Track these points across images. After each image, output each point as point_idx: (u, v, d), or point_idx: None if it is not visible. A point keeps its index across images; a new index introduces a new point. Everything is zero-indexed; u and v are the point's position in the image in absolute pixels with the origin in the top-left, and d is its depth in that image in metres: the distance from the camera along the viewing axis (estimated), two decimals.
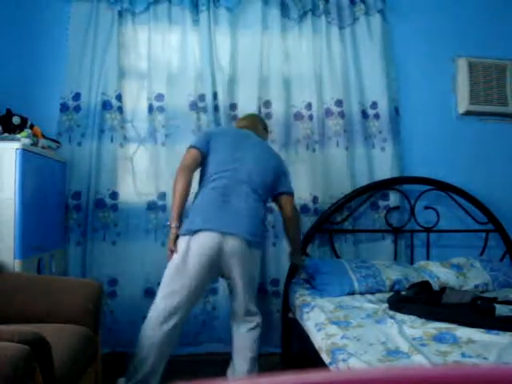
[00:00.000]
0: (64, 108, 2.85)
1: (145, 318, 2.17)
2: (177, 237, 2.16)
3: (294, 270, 2.88)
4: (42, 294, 1.97)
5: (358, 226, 3.04)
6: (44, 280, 2.15)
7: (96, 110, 2.84)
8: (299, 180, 2.93)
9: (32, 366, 1.22)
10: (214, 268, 2.16)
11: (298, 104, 3.03)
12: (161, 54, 2.93)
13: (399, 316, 2.03)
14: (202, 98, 2.93)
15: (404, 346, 1.65)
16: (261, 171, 2.26)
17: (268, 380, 0.41)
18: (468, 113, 3.19)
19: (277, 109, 2.98)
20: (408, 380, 0.41)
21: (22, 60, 2.87)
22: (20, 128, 2.38)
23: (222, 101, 2.92)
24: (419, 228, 3.07)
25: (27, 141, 2.26)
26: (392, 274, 2.63)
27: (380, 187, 3.03)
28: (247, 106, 2.94)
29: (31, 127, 2.44)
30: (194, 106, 2.92)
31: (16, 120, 2.40)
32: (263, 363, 2.36)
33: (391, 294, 2.37)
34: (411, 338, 1.74)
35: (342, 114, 3.02)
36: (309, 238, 2.91)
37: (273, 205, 2.91)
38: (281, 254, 2.96)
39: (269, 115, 2.96)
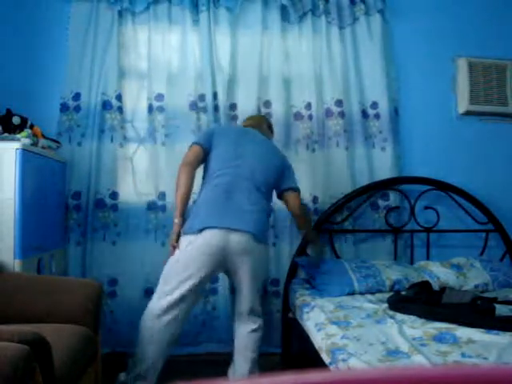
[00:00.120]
0: (64, 108, 2.85)
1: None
2: (179, 233, 2.16)
3: (294, 270, 2.89)
4: (42, 294, 1.97)
5: (358, 226, 3.04)
6: (44, 280, 2.15)
7: (96, 110, 2.84)
8: (299, 180, 2.91)
9: (32, 366, 1.22)
10: (218, 266, 2.16)
11: (298, 104, 3.03)
12: (161, 54, 2.93)
13: (399, 316, 2.03)
14: (201, 98, 2.93)
15: (404, 346, 1.65)
16: (263, 168, 2.26)
17: (268, 380, 0.41)
18: (468, 113, 3.19)
19: (277, 109, 2.98)
20: (408, 380, 0.41)
21: (22, 60, 2.87)
22: (20, 128, 2.38)
23: (222, 101, 2.92)
24: (419, 228, 3.07)
25: (27, 141, 2.26)
26: (392, 273, 2.63)
27: (380, 187, 3.03)
28: (247, 106, 2.94)
29: (31, 127, 2.44)
30: (193, 106, 2.92)
31: (16, 120, 2.40)
32: (263, 363, 2.36)
33: (391, 294, 2.37)
34: (411, 337, 1.74)
35: (342, 114, 3.02)
36: None
37: (272, 205, 2.92)
38: (281, 254, 2.96)
39: (269, 115, 2.96)
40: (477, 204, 3.09)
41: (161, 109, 2.91)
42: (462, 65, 3.18)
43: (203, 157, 2.27)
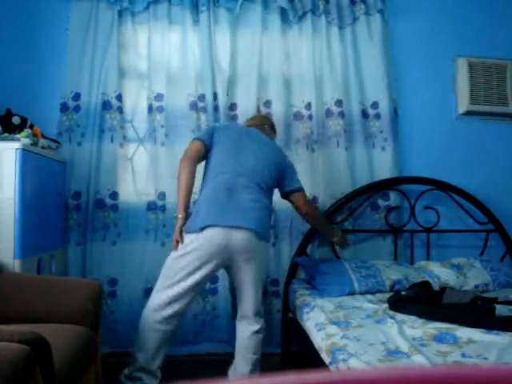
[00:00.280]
0: (64, 108, 2.85)
1: None
2: (183, 226, 2.17)
3: (294, 270, 2.89)
4: (42, 294, 1.97)
5: (358, 226, 3.04)
6: (44, 280, 2.15)
7: (96, 110, 2.84)
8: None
9: (32, 366, 1.22)
10: (220, 264, 2.16)
11: (298, 104, 3.03)
12: (161, 54, 2.93)
13: (399, 316, 2.03)
14: (201, 98, 2.93)
15: (404, 346, 1.65)
16: (264, 166, 2.26)
17: (268, 380, 0.41)
18: (468, 113, 3.19)
19: (277, 109, 2.98)
20: (408, 380, 0.41)
21: (21, 60, 2.87)
22: (20, 128, 2.38)
23: (222, 101, 2.92)
24: (419, 228, 3.07)
25: (27, 141, 2.26)
26: (392, 274, 2.63)
27: (380, 187, 3.03)
28: (247, 106, 2.94)
29: (31, 127, 2.44)
30: (194, 106, 2.92)
31: (16, 120, 2.40)
32: (263, 363, 2.35)
33: (391, 294, 2.37)
34: (411, 338, 1.73)
35: (342, 114, 3.02)
36: (309, 237, 2.90)
37: (272, 204, 2.92)
38: (281, 254, 2.96)
39: (269, 115, 2.95)
40: (477, 204, 3.09)
41: (161, 109, 2.91)
42: (462, 65, 3.18)
43: (204, 153, 2.27)
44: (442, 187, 3.08)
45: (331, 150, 3.03)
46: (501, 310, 2.02)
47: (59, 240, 2.73)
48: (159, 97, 2.91)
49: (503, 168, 3.24)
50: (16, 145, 2.16)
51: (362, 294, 2.51)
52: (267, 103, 3.00)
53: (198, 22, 2.93)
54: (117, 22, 2.88)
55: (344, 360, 1.59)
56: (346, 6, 3.06)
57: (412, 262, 3.02)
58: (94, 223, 2.83)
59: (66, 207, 2.81)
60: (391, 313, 2.09)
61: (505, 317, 1.90)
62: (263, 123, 2.57)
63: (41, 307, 1.94)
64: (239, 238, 2.09)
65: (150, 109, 2.89)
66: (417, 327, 1.85)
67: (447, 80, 3.23)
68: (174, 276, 2.13)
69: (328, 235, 2.77)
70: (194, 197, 2.30)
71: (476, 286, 2.66)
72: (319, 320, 2.10)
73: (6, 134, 2.28)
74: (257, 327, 2.23)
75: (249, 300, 2.20)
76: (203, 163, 2.33)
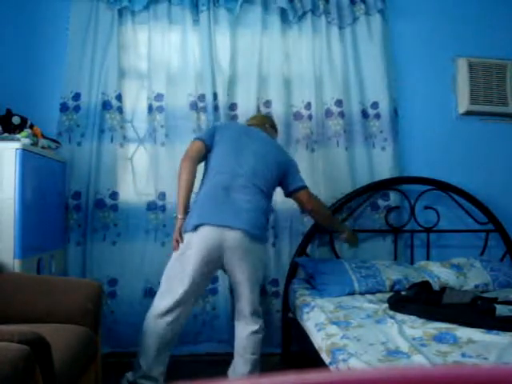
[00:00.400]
0: (64, 108, 2.85)
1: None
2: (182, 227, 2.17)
3: (294, 270, 2.89)
4: (42, 294, 1.97)
5: (358, 226, 3.03)
6: (44, 280, 2.15)
7: (96, 110, 2.84)
8: None
9: (32, 366, 1.22)
10: (215, 264, 2.16)
11: (298, 104, 3.03)
12: (161, 54, 2.93)
13: (399, 316, 2.03)
14: (201, 98, 2.93)
15: (404, 346, 1.65)
16: (265, 166, 2.26)
17: (268, 380, 0.41)
18: (468, 113, 3.19)
19: (277, 108, 2.97)
20: (408, 380, 0.41)
21: (21, 60, 2.87)
22: (20, 128, 2.38)
23: (222, 101, 2.92)
24: (419, 228, 3.07)
25: (27, 141, 2.26)
26: (392, 274, 2.63)
27: (380, 187, 3.03)
28: (247, 105, 2.94)
29: (31, 127, 2.44)
30: (194, 106, 2.91)
31: (16, 120, 2.40)
32: (263, 363, 2.35)
33: (391, 294, 2.37)
34: (411, 338, 1.73)
35: (341, 114, 3.02)
36: (309, 237, 2.90)
37: (272, 205, 2.91)
38: (281, 254, 2.96)
39: (269, 114, 2.96)
40: (477, 204, 3.09)
41: (161, 109, 2.90)
42: (462, 65, 3.18)
43: (205, 153, 2.27)
44: (442, 187, 3.08)
45: (331, 149, 3.03)
46: (501, 309, 2.02)
47: (59, 240, 2.72)
48: (159, 97, 2.91)
49: (503, 168, 3.24)
50: (16, 145, 2.16)
51: (361, 294, 2.51)
52: (267, 103, 3.00)
53: (198, 22, 2.93)
54: (117, 22, 2.88)
55: (344, 360, 1.59)
56: (345, 6, 3.06)
57: (412, 262, 3.02)
58: (94, 223, 2.83)
59: (66, 207, 2.81)
60: (391, 313, 2.09)
61: (505, 317, 1.90)
62: (264, 122, 2.57)
63: (41, 307, 1.94)
64: (232, 237, 2.09)
65: (150, 109, 2.89)
66: (417, 327, 1.85)
67: (447, 80, 3.23)
68: (174, 278, 2.13)
69: (337, 232, 2.76)
70: (193, 196, 2.30)
71: (476, 286, 2.66)
72: (319, 320, 2.10)
73: (5, 134, 2.28)
74: (255, 327, 2.23)
75: (245, 300, 2.20)
76: (203, 163, 2.33)
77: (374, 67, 3.06)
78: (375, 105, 3.07)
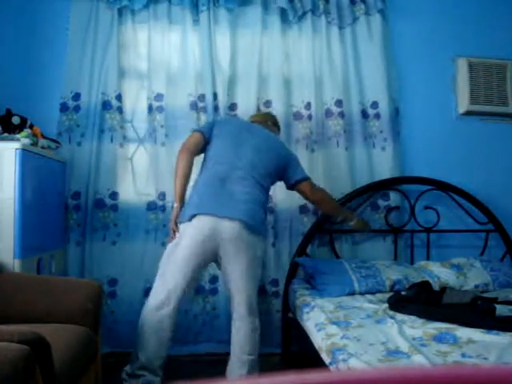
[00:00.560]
0: (64, 108, 2.85)
1: None
2: (178, 215, 2.18)
3: (294, 270, 2.88)
4: (42, 294, 1.97)
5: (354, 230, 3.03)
6: (44, 280, 2.15)
7: (96, 110, 2.84)
8: None
9: (32, 366, 1.22)
10: (209, 254, 2.15)
11: (298, 104, 3.03)
12: (161, 54, 2.93)
13: (399, 316, 2.02)
14: (201, 98, 2.93)
15: (404, 346, 1.65)
16: (263, 160, 2.26)
17: (268, 380, 0.41)
18: (468, 113, 3.19)
19: (277, 108, 2.97)
20: (408, 380, 0.41)
21: (21, 60, 2.87)
22: (20, 128, 2.38)
23: (222, 101, 2.92)
24: (419, 228, 3.07)
25: (27, 141, 2.26)
26: (392, 274, 2.63)
27: (380, 187, 3.03)
28: (247, 105, 2.94)
29: (31, 127, 2.44)
30: (194, 106, 2.92)
31: (16, 120, 2.40)
32: (263, 363, 2.35)
33: (391, 294, 2.37)
34: (411, 338, 1.73)
35: (341, 114, 3.02)
36: (309, 237, 2.90)
37: (272, 205, 2.92)
38: (281, 254, 2.96)
39: (272, 113, 2.96)
40: (477, 204, 3.09)
41: (161, 109, 2.90)
42: (462, 65, 3.18)
43: (203, 145, 2.29)
44: (442, 187, 3.08)
45: (331, 150, 3.03)
46: (501, 309, 2.02)
47: (59, 240, 2.73)
48: (159, 97, 2.91)
49: (503, 168, 3.24)
50: (16, 145, 2.16)
51: (361, 294, 2.51)
52: (267, 103, 3.00)
53: (198, 22, 2.93)
54: (117, 22, 2.88)
55: (344, 360, 1.59)
56: (346, 5, 3.06)
57: (412, 262, 3.02)
58: (94, 223, 2.83)
59: (66, 207, 2.81)
60: (391, 313, 2.09)
61: (505, 317, 1.90)
62: (267, 120, 2.58)
63: (41, 307, 1.94)
64: (228, 228, 2.08)
65: (150, 109, 2.89)
66: (417, 327, 1.85)
67: (447, 80, 3.23)
68: (168, 270, 2.14)
69: (345, 220, 2.77)
70: (191, 186, 2.31)
71: (476, 286, 2.66)
72: (319, 320, 2.10)
73: (5, 134, 2.28)
74: (251, 326, 2.20)
75: (240, 295, 2.17)
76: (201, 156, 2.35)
77: (373, 67, 3.06)
78: (375, 105, 3.07)
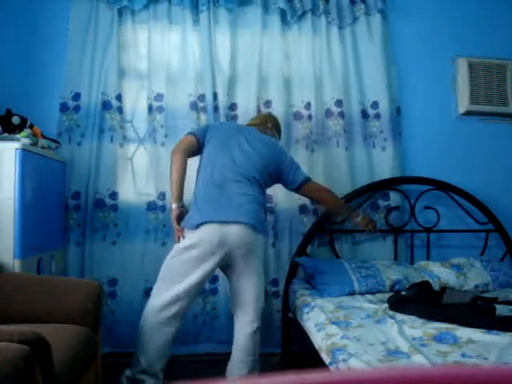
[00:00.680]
0: (64, 108, 2.85)
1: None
2: (179, 216, 2.18)
3: (294, 270, 2.88)
4: (42, 294, 1.97)
5: (358, 226, 3.03)
6: (44, 280, 2.14)
7: (96, 110, 2.84)
8: None
9: (32, 366, 1.22)
10: (218, 262, 2.15)
11: (298, 104, 3.02)
12: (161, 54, 2.93)
13: (399, 316, 2.03)
14: (201, 98, 2.93)
15: (404, 346, 1.65)
16: (257, 163, 2.26)
17: (268, 380, 0.41)
18: (468, 113, 3.19)
19: (277, 108, 2.97)
20: (408, 380, 0.41)
21: (21, 60, 2.87)
22: (20, 128, 2.38)
23: (222, 101, 2.92)
24: (419, 228, 3.07)
25: (27, 141, 2.26)
26: (392, 274, 2.63)
27: (380, 187, 3.03)
28: (247, 105, 2.94)
29: (31, 127, 2.44)
30: (194, 106, 2.91)
31: (16, 120, 2.40)
32: (263, 363, 2.35)
33: (391, 294, 2.37)
34: (411, 338, 1.73)
35: (341, 114, 3.02)
36: (309, 237, 2.90)
37: (272, 205, 2.92)
38: (281, 254, 2.96)
39: (272, 114, 2.96)
40: (477, 204, 3.09)
41: (160, 109, 2.90)
42: (462, 65, 3.18)
43: (197, 148, 2.29)
44: (442, 187, 3.08)
45: (331, 150, 3.02)
46: (501, 309, 2.02)
47: (59, 240, 2.73)
48: (159, 97, 2.91)
49: (503, 168, 3.24)
50: (16, 145, 2.16)
51: (362, 294, 2.51)
52: (267, 103, 3.00)
53: (198, 22, 2.93)
54: (117, 22, 2.88)
55: (344, 360, 1.59)
56: (345, 5, 3.06)
57: (412, 262, 3.02)
58: (94, 223, 2.83)
59: (66, 207, 2.81)
60: (391, 313, 2.09)
61: (505, 317, 1.90)
62: (266, 122, 2.57)
63: (41, 307, 1.94)
64: (235, 232, 2.10)
65: (150, 109, 2.89)
66: (417, 327, 1.85)
67: (447, 80, 3.23)
68: (174, 275, 2.13)
69: (350, 217, 2.74)
70: (188, 188, 2.32)
71: (476, 286, 2.66)
72: (319, 320, 2.10)
73: (5, 134, 2.28)
74: (256, 326, 2.21)
75: (249, 297, 2.19)
76: (196, 159, 2.35)
77: (374, 67, 3.06)
78: (375, 105, 3.07)
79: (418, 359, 1.52)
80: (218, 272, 2.60)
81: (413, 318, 1.98)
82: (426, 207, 3.10)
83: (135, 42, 2.96)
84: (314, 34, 3.04)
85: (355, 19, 3.08)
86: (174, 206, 2.20)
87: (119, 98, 2.89)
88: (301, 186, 2.41)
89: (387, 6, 3.11)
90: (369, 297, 2.46)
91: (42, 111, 2.79)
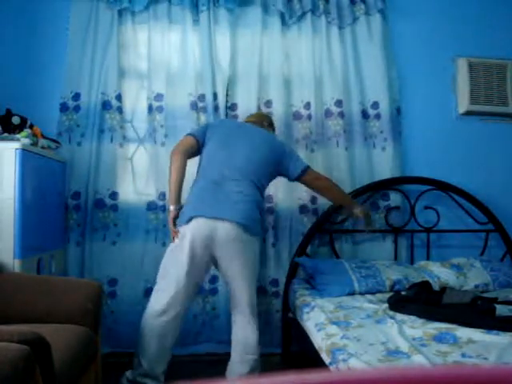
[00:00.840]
0: (64, 108, 2.85)
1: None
2: (176, 218, 2.19)
3: (294, 270, 2.88)
4: (42, 294, 1.97)
5: (358, 226, 3.03)
6: (44, 280, 2.15)
7: (96, 110, 2.84)
8: None
9: (32, 366, 1.22)
10: (208, 256, 2.15)
11: (297, 104, 3.02)
12: (161, 54, 2.93)
13: (399, 316, 2.02)
14: (201, 98, 2.93)
15: (404, 346, 1.65)
16: (256, 160, 2.26)
17: (268, 380, 0.41)
18: (468, 113, 3.19)
19: (277, 108, 2.97)
20: (408, 380, 0.41)
21: (21, 60, 2.87)
22: (20, 128, 2.38)
23: (222, 101, 2.92)
24: (419, 228, 3.07)
25: (27, 141, 2.26)
26: (392, 274, 2.63)
27: (380, 187, 3.03)
28: (247, 105, 2.94)
29: (31, 127, 2.44)
30: (194, 106, 2.91)
31: (16, 120, 2.40)
32: (263, 363, 2.35)
33: (391, 294, 2.37)
34: (411, 338, 1.73)
35: (341, 114, 3.02)
36: (309, 237, 2.90)
37: (272, 205, 2.92)
38: (281, 254, 2.96)
39: (269, 114, 2.96)
40: (477, 204, 3.09)
41: (160, 109, 2.90)
42: (462, 65, 3.18)
43: (196, 148, 2.30)
44: (442, 187, 3.08)
45: (331, 150, 3.02)
46: (501, 309, 2.02)
47: (59, 240, 2.72)
48: (159, 97, 2.91)
49: (503, 168, 3.24)
50: (16, 145, 2.16)
51: (361, 294, 2.51)
52: (267, 103, 3.00)
53: (198, 22, 2.93)
54: (117, 22, 2.88)
55: (344, 360, 1.59)
56: (345, 5, 3.06)
57: (412, 262, 3.02)
58: (94, 223, 2.83)
59: (66, 207, 2.81)
60: (391, 313, 2.09)
61: (505, 317, 1.90)
62: (262, 120, 2.59)
63: (41, 307, 1.94)
64: (224, 228, 2.09)
65: (150, 109, 2.89)
66: (417, 327, 1.85)
67: (447, 80, 3.23)
68: (168, 274, 2.14)
69: (348, 207, 2.72)
70: (187, 190, 2.32)
71: (476, 286, 2.66)
72: (319, 320, 2.10)
73: (5, 134, 2.28)
74: (253, 325, 2.21)
75: (242, 295, 2.18)
76: (196, 159, 2.35)
77: (374, 67, 3.06)
78: (375, 105, 3.07)
79: (418, 359, 1.52)
80: (218, 272, 2.60)
81: (413, 318, 1.98)
82: (426, 207, 3.10)
83: (135, 42, 2.96)
84: (314, 34, 3.04)
85: (355, 19, 3.08)
86: (171, 207, 2.20)
87: (119, 98, 2.89)
88: (301, 174, 2.41)
89: (387, 6, 3.11)
90: (369, 297, 2.46)
91: (42, 111, 2.79)
